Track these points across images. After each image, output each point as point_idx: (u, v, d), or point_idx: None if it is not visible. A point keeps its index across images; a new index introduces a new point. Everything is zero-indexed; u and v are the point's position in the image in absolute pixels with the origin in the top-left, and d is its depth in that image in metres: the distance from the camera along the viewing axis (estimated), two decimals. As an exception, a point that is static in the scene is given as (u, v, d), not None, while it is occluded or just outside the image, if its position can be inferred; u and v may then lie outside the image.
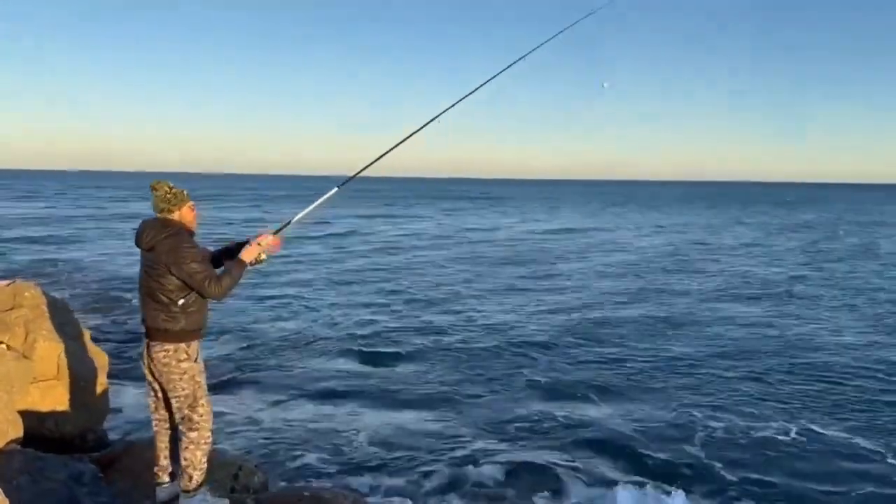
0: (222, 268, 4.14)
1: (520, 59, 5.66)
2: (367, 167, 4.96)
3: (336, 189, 4.73)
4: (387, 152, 5.03)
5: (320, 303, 14.69)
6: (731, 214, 55.91)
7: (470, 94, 5.25)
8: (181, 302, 3.97)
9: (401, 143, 5.05)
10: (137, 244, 4.05)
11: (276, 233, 4.31)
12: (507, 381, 9.15)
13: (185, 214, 4.11)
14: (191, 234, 4.10)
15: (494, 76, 5.38)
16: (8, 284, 6.70)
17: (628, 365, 9.94)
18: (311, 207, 4.62)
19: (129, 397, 7.84)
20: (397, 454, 6.68)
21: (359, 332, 11.90)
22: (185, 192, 4.13)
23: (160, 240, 3.96)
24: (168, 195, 4.06)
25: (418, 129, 5.08)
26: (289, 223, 4.56)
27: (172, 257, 3.91)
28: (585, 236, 33.53)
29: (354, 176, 4.91)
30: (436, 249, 26.20)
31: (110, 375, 7.08)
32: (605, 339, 11.66)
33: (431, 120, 5.12)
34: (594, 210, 60.28)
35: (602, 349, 11.01)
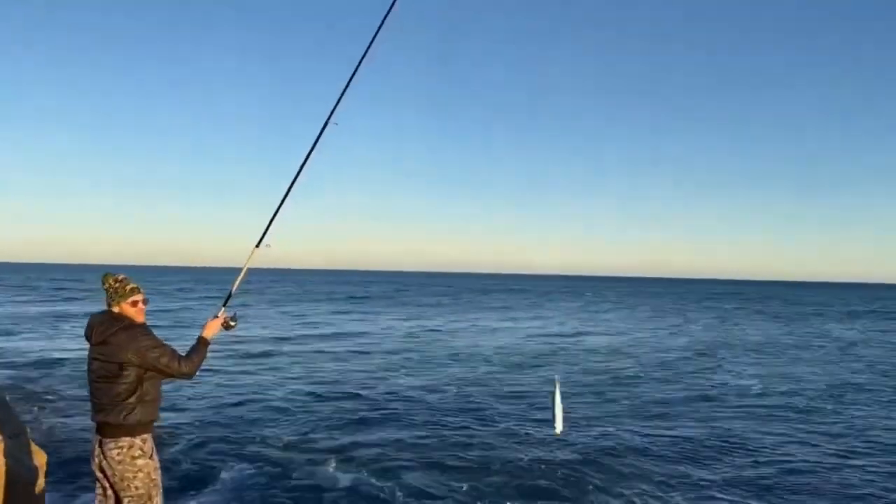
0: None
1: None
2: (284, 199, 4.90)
3: (255, 248, 4.73)
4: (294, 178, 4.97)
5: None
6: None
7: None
8: (134, 396, 3.88)
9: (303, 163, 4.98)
10: (87, 338, 4.01)
11: (214, 317, 4.37)
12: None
13: (126, 309, 4.05)
14: (142, 325, 4.05)
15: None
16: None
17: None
18: (241, 274, 4.65)
19: (69, 498, 7.37)
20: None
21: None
22: (128, 287, 4.06)
23: (111, 333, 3.91)
24: (111, 288, 4.04)
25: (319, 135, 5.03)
26: (230, 295, 4.55)
27: (133, 348, 3.86)
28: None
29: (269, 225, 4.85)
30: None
31: (48, 475, 6.68)
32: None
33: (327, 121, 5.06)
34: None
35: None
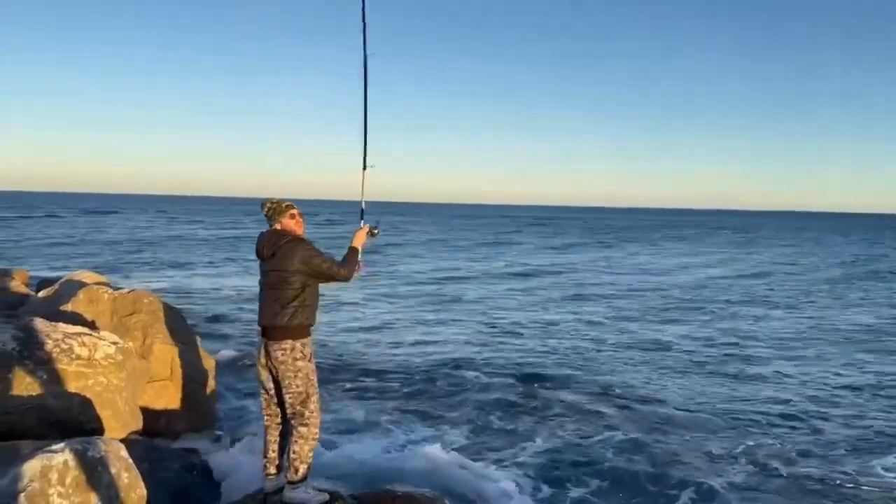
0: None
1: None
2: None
3: (363, 170, 5.35)
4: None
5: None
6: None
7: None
8: (297, 300, 4.40)
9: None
10: (258, 254, 4.56)
11: (359, 229, 5.00)
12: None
13: (287, 223, 4.56)
14: (303, 238, 4.54)
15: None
16: (128, 292, 7.26)
17: None
18: (362, 192, 5.36)
19: (235, 399, 8.27)
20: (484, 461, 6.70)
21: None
22: (283, 204, 4.62)
23: (280, 246, 4.44)
24: (272, 208, 4.59)
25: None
26: (362, 211, 5.25)
27: (299, 256, 4.40)
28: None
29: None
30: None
31: (218, 378, 7.52)
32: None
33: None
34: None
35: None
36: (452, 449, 6.73)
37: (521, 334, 13.69)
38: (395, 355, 11.45)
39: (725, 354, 12.23)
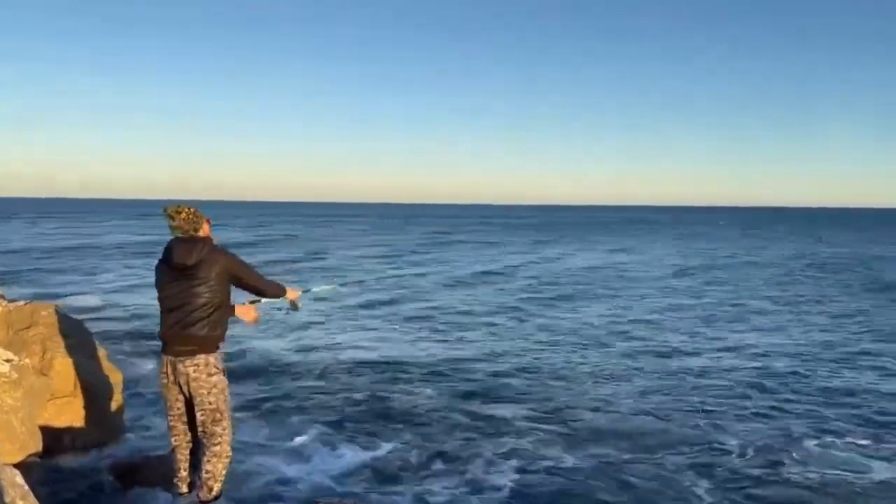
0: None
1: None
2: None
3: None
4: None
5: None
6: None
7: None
8: (215, 314, 4.18)
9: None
10: (172, 262, 4.23)
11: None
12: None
13: (206, 230, 4.34)
14: (223, 248, 4.42)
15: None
16: (24, 304, 6.84)
17: None
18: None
19: (144, 413, 7.92)
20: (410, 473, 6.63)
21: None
22: (199, 211, 4.39)
23: (205, 253, 4.21)
24: (190, 216, 4.31)
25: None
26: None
27: (227, 268, 4.29)
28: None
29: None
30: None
31: (125, 392, 7.18)
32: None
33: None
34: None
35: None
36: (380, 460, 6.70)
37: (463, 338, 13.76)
38: (311, 358, 11.31)
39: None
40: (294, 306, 4.88)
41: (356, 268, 27.79)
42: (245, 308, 4.69)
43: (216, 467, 4.26)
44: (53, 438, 5.81)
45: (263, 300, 4.74)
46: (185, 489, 4.43)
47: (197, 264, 4.19)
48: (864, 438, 7.77)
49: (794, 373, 10.83)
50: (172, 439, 4.44)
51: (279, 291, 4.67)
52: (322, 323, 14.85)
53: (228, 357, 10.39)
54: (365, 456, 6.91)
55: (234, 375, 9.56)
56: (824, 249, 42.02)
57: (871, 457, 7.21)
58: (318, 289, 5.51)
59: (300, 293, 4.94)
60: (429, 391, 9.47)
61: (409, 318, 15.68)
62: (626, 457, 7.14)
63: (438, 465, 6.79)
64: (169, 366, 4.26)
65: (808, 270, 28.68)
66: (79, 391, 6.38)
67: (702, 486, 6.42)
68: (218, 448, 4.27)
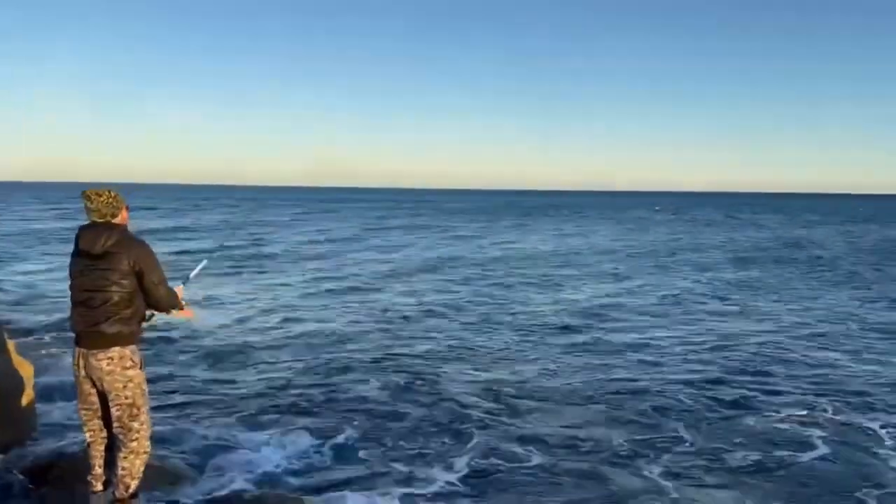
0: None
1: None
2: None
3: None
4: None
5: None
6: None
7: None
8: (132, 306, 4.01)
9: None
10: (84, 250, 4.01)
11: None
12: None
13: (125, 217, 4.16)
14: (141, 239, 4.18)
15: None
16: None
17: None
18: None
19: (56, 408, 7.61)
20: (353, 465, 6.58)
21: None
22: (121, 197, 4.15)
23: (118, 242, 3.98)
24: (111, 200, 4.08)
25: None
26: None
27: (144, 261, 4.01)
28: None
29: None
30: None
31: (36, 387, 6.87)
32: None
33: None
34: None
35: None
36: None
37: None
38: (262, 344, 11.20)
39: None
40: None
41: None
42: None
43: (133, 464, 4.15)
44: (-42, 438, 5.54)
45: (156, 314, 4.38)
46: (99, 487, 4.30)
47: (105, 255, 3.97)
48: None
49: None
50: (87, 435, 4.30)
51: (174, 303, 4.29)
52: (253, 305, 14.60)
53: (166, 341, 10.49)
54: (314, 449, 6.80)
55: (176, 363, 9.55)
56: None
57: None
58: (193, 273, 4.94)
59: (182, 290, 4.53)
60: (376, 380, 9.33)
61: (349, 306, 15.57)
62: (580, 442, 7.16)
63: (392, 457, 6.69)
64: (82, 359, 4.10)
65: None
66: (-15, 387, 6.08)
67: (654, 471, 6.51)
68: (135, 444, 4.15)
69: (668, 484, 6.22)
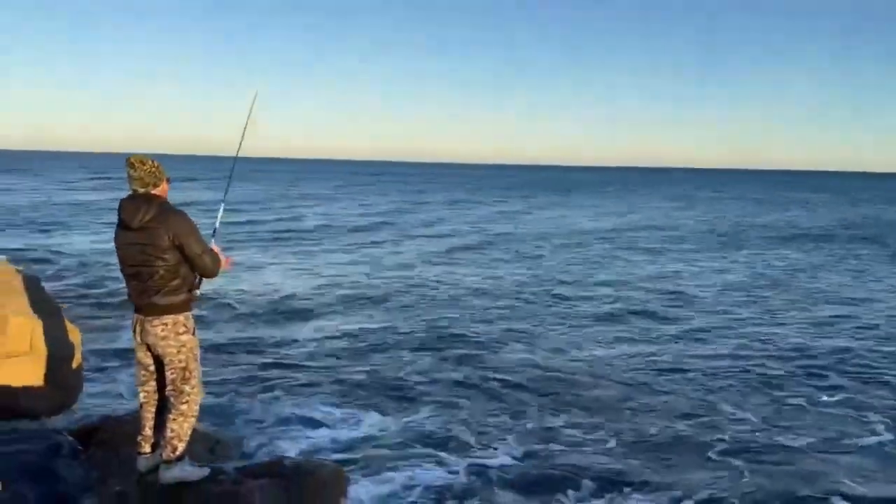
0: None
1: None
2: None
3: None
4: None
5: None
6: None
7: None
8: (177, 279, 4.00)
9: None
10: (125, 222, 4.01)
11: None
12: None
13: (165, 188, 4.14)
14: (181, 210, 4.15)
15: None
16: (-24, 260, 6.60)
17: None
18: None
19: (103, 374, 7.76)
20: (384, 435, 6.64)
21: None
22: (161, 166, 4.12)
23: (157, 214, 3.96)
24: (153, 170, 4.05)
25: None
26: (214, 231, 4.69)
27: (183, 233, 3.98)
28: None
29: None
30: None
31: (85, 351, 7.01)
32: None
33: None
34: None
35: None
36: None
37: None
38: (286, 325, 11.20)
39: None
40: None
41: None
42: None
43: (182, 427, 4.19)
44: (9, 399, 5.67)
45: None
46: (147, 448, 4.34)
47: (143, 229, 3.96)
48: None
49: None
50: (141, 395, 4.37)
51: (218, 268, 4.21)
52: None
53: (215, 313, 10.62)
54: (357, 426, 6.82)
55: (229, 329, 9.65)
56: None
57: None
58: (217, 223, 4.75)
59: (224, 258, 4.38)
60: (422, 360, 9.26)
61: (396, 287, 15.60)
62: (625, 425, 7.05)
63: (437, 438, 6.65)
64: (139, 325, 4.16)
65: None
66: (36, 350, 6.20)
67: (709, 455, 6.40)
68: (185, 407, 4.19)
69: (734, 462, 6.19)
